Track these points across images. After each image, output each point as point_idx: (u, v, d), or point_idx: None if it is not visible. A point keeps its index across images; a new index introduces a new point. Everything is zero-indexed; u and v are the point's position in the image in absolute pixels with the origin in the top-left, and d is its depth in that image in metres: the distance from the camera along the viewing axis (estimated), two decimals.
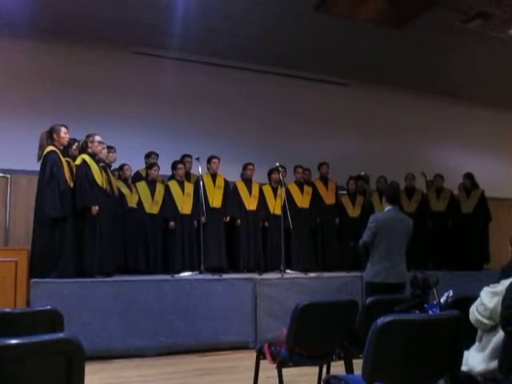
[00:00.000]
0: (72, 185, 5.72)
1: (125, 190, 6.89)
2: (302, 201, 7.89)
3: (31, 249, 5.65)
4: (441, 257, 8.24)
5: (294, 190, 7.91)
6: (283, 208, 7.14)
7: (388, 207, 4.99)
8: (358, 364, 2.59)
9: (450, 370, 2.46)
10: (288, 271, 6.84)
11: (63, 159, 5.72)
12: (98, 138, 5.98)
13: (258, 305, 5.99)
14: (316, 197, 8.04)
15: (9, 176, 7.45)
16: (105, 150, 6.19)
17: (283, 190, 7.31)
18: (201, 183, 6.91)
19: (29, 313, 2.90)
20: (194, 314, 5.72)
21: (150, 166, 7.25)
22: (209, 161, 7.42)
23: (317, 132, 9.15)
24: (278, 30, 7.67)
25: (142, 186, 7.12)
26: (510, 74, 9.09)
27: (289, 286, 6.18)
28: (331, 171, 8.27)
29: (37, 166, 5.75)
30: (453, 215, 8.42)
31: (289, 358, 3.23)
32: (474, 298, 2.81)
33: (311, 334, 3.26)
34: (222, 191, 7.39)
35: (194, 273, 6.55)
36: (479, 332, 2.74)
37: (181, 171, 7.26)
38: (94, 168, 5.81)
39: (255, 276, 6.29)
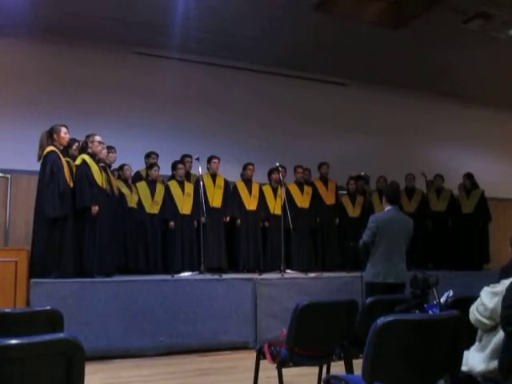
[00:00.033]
0: (72, 185, 5.72)
1: (125, 190, 6.89)
2: (302, 201, 7.89)
3: (31, 249, 5.65)
4: (441, 257, 8.25)
5: (294, 190, 7.91)
6: (283, 208, 7.14)
7: (388, 207, 4.99)
8: (358, 364, 2.59)
9: (450, 369, 2.46)
10: (288, 271, 6.84)
11: (63, 159, 5.72)
12: (98, 138, 5.98)
13: (257, 305, 5.99)
14: (316, 197, 8.04)
15: (9, 176, 7.45)
16: (105, 150, 6.19)
17: (283, 190, 7.31)
18: (201, 183, 6.91)
19: (29, 313, 2.91)
20: (193, 314, 5.72)
21: (150, 166, 7.25)
22: (209, 161, 7.42)
23: (317, 132, 9.15)
24: (278, 30, 7.67)
25: (142, 186, 7.12)
26: (510, 74, 9.09)
27: (289, 286, 6.18)
28: (331, 171, 8.27)
29: (37, 166, 5.75)
30: (453, 215, 8.43)
31: (289, 358, 3.23)
32: (473, 298, 2.81)
33: (311, 334, 3.26)
34: (222, 191, 7.39)
35: (194, 273, 6.55)
36: (479, 332, 2.74)
37: (181, 171, 7.26)
38: (94, 168, 5.81)
39: (255, 276, 6.29)
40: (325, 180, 8.24)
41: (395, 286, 4.74)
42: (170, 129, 8.11)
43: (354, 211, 8.18)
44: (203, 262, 6.63)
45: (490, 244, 8.48)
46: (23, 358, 1.66)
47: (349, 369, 3.38)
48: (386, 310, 2.82)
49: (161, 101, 8.15)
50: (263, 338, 5.63)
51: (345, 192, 8.44)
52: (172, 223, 7.04)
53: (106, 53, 7.99)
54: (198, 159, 6.96)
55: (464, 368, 2.61)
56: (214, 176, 7.43)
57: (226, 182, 7.51)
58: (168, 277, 6.04)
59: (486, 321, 2.65)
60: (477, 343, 2.74)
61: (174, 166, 7.28)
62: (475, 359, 2.66)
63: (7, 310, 2.76)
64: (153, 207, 7.05)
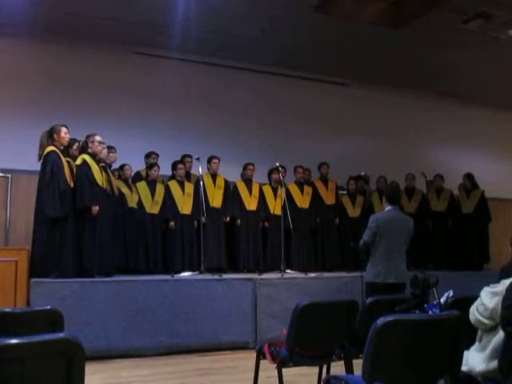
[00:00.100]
0: (72, 185, 5.72)
1: (125, 190, 6.89)
2: (302, 201, 7.89)
3: (31, 249, 5.65)
4: (441, 257, 8.25)
5: (294, 190, 7.91)
6: (283, 208, 7.14)
7: (388, 207, 4.99)
8: (358, 364, 2.59)
9: (450, 369, 2.46)
10: (288, 271, 6.84)
11: (63, 159, 5.72)
12: (98, 138, 5.98)
13: (257, 305, 5.99)
14: (316, 197, 8.04)
15: (9, 176, 7.46)
16: (105, 150, 6.19)
17: (283, 190, 7.31)
18: (201, 183, 6.91)
19: (29, 313, 2.91)
20: (193, 314, 5.72)
21: (150, 166, 7.25)
22: (209, 161, 7.42)
23: (317, 132, 9.15)
24: (278, 30, 7.67)
25: (142, 186, 7.12)
26: (510, 74, 9.09)
27: (289, 286, 6.18)
28: (331, 171, 8.27)
29: (37, 166, 5.75)
30: (453, 215, 8.43)
31: (289, 358, 3.23)
32: (474, 298, 2.81)
33: (311, 334, 3.26)
34: (222, 191, 7.39)
35: (194, 273, 6.56)
36: (479, 332, 2.74)
37: (181, 171, 7.26)
38: (95, 168, 5.81)
39: (255, 276, 6.29)
40: (325, 180, 8.24)
41: (395, 286, 4.74)
42: (170, 129, 8.11)
43: (354, 211, 8.18)
44: (203, 262, 6.63)
45: (490, 244, 8.48)
46: (23, 357, 1.66)
47: (349, 369, 3.38)
48: (386, 310, 2.83)
49: (161, 101, 8.16)
50: (263, 337, 5.63)
51: (345, 192, 8.44)
52: (172, 223, 7.04)
53: (105, 53, 7.99)
54: (198, 159, 6.96)
55: (464, 368, 2.61)
56: (214, 176, 7.43)
57: (226, 182, 7.51)
58: (168, 277, 6.04)
59: (486, 321, 2.65)
60: (477, 343, 2.74)
61: (174, 166, 7.29)
62: (475, 359, 2.66)
63: (7, 310, 2.76)
64: (153, 207, 7.06)
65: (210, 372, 4.94)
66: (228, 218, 7.38)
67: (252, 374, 3.64)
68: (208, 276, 6.22)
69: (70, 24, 7.40)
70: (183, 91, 8.37)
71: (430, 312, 3.00)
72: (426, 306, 3.08)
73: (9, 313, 2.71)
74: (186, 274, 6.42)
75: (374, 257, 4.90)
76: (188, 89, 8.43)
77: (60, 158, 5.65)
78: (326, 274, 6.93)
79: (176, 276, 6.10)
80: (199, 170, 6.99)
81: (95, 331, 5.20)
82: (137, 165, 7.43)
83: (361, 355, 2.33)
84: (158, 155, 7.44)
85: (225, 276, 6.23)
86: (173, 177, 7.33)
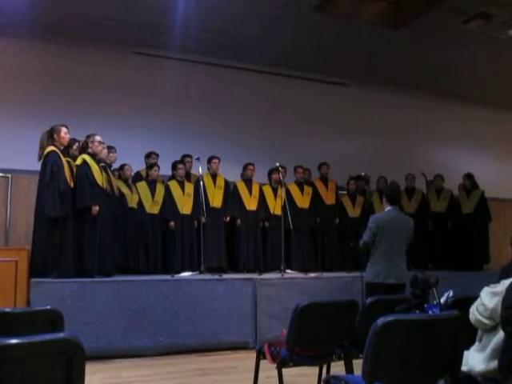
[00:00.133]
0: (72, 185, 5.73)
1: (125, 190, 6.89)
2: (302, 201, 7.89)
3: (31, 249, 5.65)
4: (441, 257, 8.25)
5: (294, 190, 7.91)
6: (283, 208, 7.14)
7: (388, 207, 4.99)
8: (358, 364, 2.59)
9: (450, 369, 2.46)
10: (288, 271, 6.84)
11: (64, 159, 5.72)
12: (98, 138, 5.98)
13: (257, 305, 5.99)
14: (316, 197, 8.04)
15: (9, 176, 7.46)
16: (105, 150, 6.19)
17: (283, 190, 7.31)
18: (201, 183, 6.91)
19: (29, 313, 2.91)
20: (193, 314, 5.72)
21: (150, 166, 7.25)
22: (209, 161, 7.42)
23: (317, 132, 9.15)
24: (278, 30, 7.67)
25: (142, 186, 7.12)
26: (510, 74, 9.10)
27: (289, 286, 6.18)
28: (331, 171, 8.27)
29: (37, 166, 5.75)
30: (453, 215, 8.42)
31: (289, 358, 3.23)
32: (474, 298, 2.81)
33: (311, 334, 3.26)
34: (222, 191, 7.39)
35: (194, 273, 6.55)
36: (479, 332, 2.74)
37: (181, 171, 7.26)
38: (95, 168, 5.81)
39: (255, 276, 6.29)
40: (325, 180, 8.24)
41: (395, 286, 4.74)
42: (170, 129, 8.11)
43: (354, 211, 8.18)
44: (203, 261, 6.63)
45: (490, 244, 8.48)
46: (23, 357, 1.66)
47: (349, 369, 3.38)
48: (386, 310, 2.83)
49: (161, 101, 8.16)
50: (263, 337, 5.63)
51: (345, 192, 8.44)
52: (172, 223, 7.04)
53: (105, 53, 7.99)
54: (198, 159, 6.96)
55: (464, 368, 2.61)
56: (214, 176, 7.43)
57: (227, 182, 7.51)
58: (168, 277, 6.04)
59: (486, 321, 2.65)
60: (477, 343, 2.74)
61: (174, 166, 7.29)
62: (475, 359, 2.66)
63: (7, 310, 2.76)
64: (153, 207, 7.06)
65: (210, 372, 4.94)
66: (228, 218, 7.38)
67: (252, 374, 3.64)
68: (208, 276, 6.22)
69: (69, 24, 7.40)
70: (183, 91, 8.37)
71: (430, 312, 3.01)
72: (425, 306, 3.08)
73: (9, 313, 2.71)
74: (186, 274, 6.42)
75: (374, 257, 4.90)
76: (188, 89, 8.43)
77: (60, 158, 5.65)
78: (325, 274, 6.93)
79: (176, 276, 6.10)
80: (199, 170, 6.99)
81: (95, 331, 5.20)
82: (137, 165, 7.43)
83: (361, 355, 2.33)
84: (158, 155, 7.44)
85: (225, 276, 6.23)
86: (173, 177, 7.33)
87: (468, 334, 2.58)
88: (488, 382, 2.60)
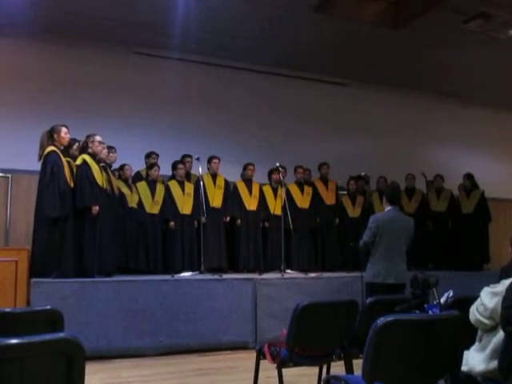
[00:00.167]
0: (72, 185, 5.73)
1: (125, 190, 6.89)
2: (302, 201, 7.89)
3: (31, 248, 5.65)
4: (441, 257, 8.25)
5: (295, 190, 7.92)
6: (283, 208, 7.14)
7: (388, 208, 4.98)
8: (358, 364, 2.59)
9: (450, 370, 2.46)
10: (288, 271, 6.84)
11: (64, 159, 5.72)
12: (98, 138, 5.98)
13: (257, 305, 5.99)
14: (316, 197, 8.04)
15: (9, 176, 7.46)
16: (105, 150, 6.19)
17: (283, 190, 7.31)
18: (201, 183, 6.91)
19: (29, 313, 2.91)
20: (193, 314, 5.72)
21: (150, 166, 7.25)
22: (209, 161, 7.42)
23: (317, 132, 9.15)
24: (278, 30, 7.67)
25: (142, 186, 7.12)
26: (510, 74, 9.10)
27: (289, 286, 6.18)
28: (331, 171, 8.27)
29: (37, 166, 5.75)
30: (453, 215, 8.43)
31: (289, 358, 3.23)
32: (474, 298, 2.81)
33: (311, 334, 3.26)
34: (222, 191, 7.39)
35: (194, 273, 6.55)
36: (479, 332, 2.74)
37: (181, 171, 7.26)
38: (95, 168, 5.81)
39: (255, 276, 6.29)
40: (325, 180, 8.24)
41: (395, 286, 4.74)
42: (170, 129, 8.11)
43: (354, 211, 8.18)
44: (203, 261, 6.63)
45: (490, 244, 8.48)
46: (23, 357, 1.67)
47: (349, 369, 3.38)
48: (386, 310, 2.83)
49: (161, 101, 8.16)
50: (263, 337, 5.63)
51: (345, 192, 8.44)
52: (172, 223, 7.05)
53: (106, 53, 7.99)
54: (198, 159, 6.96)
55: (464, 368, 2.61)
56: (214, 176, 7.43)
57: (227, 182, 7.51)
58: (168, 277, 6.04)
59: (486, 321, 2.65)
60: (477, 343, 2.74)
61: (175, 166, 7.29)
62: (475, 359, 2.66)
63: (7, 310, 2.75)
64: (153, 207, 7.06)
65: (210, 372, 4.94)
66: (228, 218, 7.38)
67: (252, 374, 3.64)
68: (208, 276, 6.22)
69: (70, 24, 7.40)
70: (183, 91, 8.37)
71: (430, 312, 3.01)
72: (426, 306, 3.08)
73: (9, 313, 2.71)
74: (186, 274, 6.42)
75: (374, 257, 4.90)
76: (188, 89, 8.43)
77: (60, 158, 5.65)
78: (326, 274, 6.93)
79: (176, 276, 6.10)
80: (199, 170, 6.98)
81: (95, 331, 5.20)
82: (137, 165, 7.43)
83: (361, 355, 2.33)
84: (158, 155, 7.44)
85: (225, 276, 6.23)
86: (173, 177, 7.33)
87: (468, 334, 2.58)
88: (488, 382, 2.60)
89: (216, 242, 7.20)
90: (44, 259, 5.48)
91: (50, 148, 5.65)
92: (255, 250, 7.45)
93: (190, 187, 7.27)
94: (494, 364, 2.54)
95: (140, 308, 5.51)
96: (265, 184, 7.81)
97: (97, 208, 5.67)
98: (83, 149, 5.99)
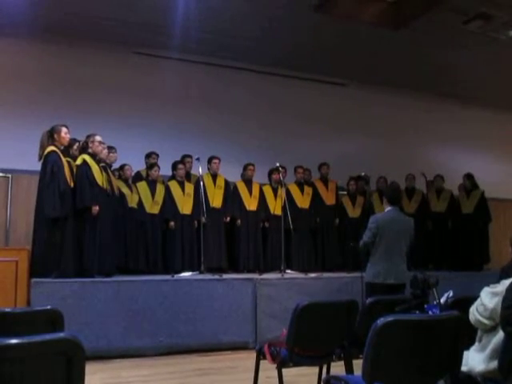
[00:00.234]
0: (72, 185, 5.73)
1: (125, 190, 6.89)
2: (302, 201, 7.89)
3: (32, 248, 5.65)
4: (441, 257, 8.25)
5: (295, 190, 7.92)
6: (283, 208, 7.14)
7: (388, 208, 4.98)
8: (358, 364, 2.59)
9: (450, 370, 2.46)
10: (288, 271, 6.84)
11: (64, 159, 5.72)
12: (98, 138, 5.98)
13: (257, 305, 5.99)
14: (316, 197, 8.04)
15: (9, 176, 7.46)
16: (105, 150, 6.19)
17: (283, 190, 7.31)
18: (201, 183, 6.91)
19: (29, 313, 2.91)
20: (193, 314, 5.72)
21: (150, 166, 7.25)
22: (209, 161, 7.42)
23: (317, 132, 9.15)
24: (278, 30, 7.67)
25: (142, 186, 7.13)
26: (510, 74, 9.10)
27: (289, 286, 6.18)
28: (331, 172, 8.27)
29: (37, 166, 5.75)
30: (453, 216, 8.42)
31: (289, 358, 3.23)
32: (474, 298, 2.81)
33: (311, 334, 3.26)
34: (222, 191, 7.39)
35: (194, 273, 6.55)
36: (479, 332, 2.74)
37: (181, 171, 7.26)
38: (95, 168, 5.81)
39: (255, 276, 6.29)
40: (325, 180, 8.24)
41: (395, 286, 4.74)
42: (170, 129, 8.12)
43: (354, 212, 8.18)
44: (203, 262, 6.63)
45: (490, 244, 8.48)
46: (23, 357, 1.66)
47: (349, 369, 3.38)
48: (386, 310, 2.83)
49: (161, 101, 8.16)
50: (263, 337, 5.63)
51: (345, 192, 8.44)
52: (172, 223, 7.05)
53: (106, 53, 7.99)
54: (198, 159, 6.96)
55: (464, 368, 2.61)
56: (214, 176, 7.43)
57: (227, 182, 7.51)
58: (168, 277, 6.04)
59: (485, 321, 2.65)
60: (477, 343, 2.74)
61: (175, 166, 7.29)
62: (475, 359, 2.66)
63: (7, 310, 2.76)
64: (153, 207, 7.06)
65: (210, 372, 4.94)
66: (228, 218, 7.38)
67: (252, 374, 3.64)
68: (208, 276, 6.22)
69: (70, 24, 7.40)
70: (183, 91, 8.37)
71: (430, 312, 3.01)
72: (426, 306, 3.08)
73: (9, 313, 2.71)
74: (186, 274, 6.42)
75: (374, 257, 4.90)
76: (188, 89, 8.43)
77: (60, 158, 5.65)
78: (326, 274, 6.93)
79: (176, 276, 6.10)
80: (199, 170, 6.98)
81: (95, 331, 5.20)
82: (137, 165, 7.43)
83: (361, 355, 2.33)
84: (158, 155, 7.44)
85: (225, 276, 6.23)
86: (173, 177, 7.33)
87: (468, 334, 2.58)
88: (488, 382, 2.60)
89: (216, 242, 7.20)
90: (44, 259, 5.48)
91: (50, 148, 5.65)
92: (255, 250, 7.45)
93: (190, 187, 7.27)
94: (494, 364, 2.55)
95: (140, 308, 5.51)
96: (265, 184, 7.81)
97: (97, 208, 5.67)
98: (83, 149, 5.99)
